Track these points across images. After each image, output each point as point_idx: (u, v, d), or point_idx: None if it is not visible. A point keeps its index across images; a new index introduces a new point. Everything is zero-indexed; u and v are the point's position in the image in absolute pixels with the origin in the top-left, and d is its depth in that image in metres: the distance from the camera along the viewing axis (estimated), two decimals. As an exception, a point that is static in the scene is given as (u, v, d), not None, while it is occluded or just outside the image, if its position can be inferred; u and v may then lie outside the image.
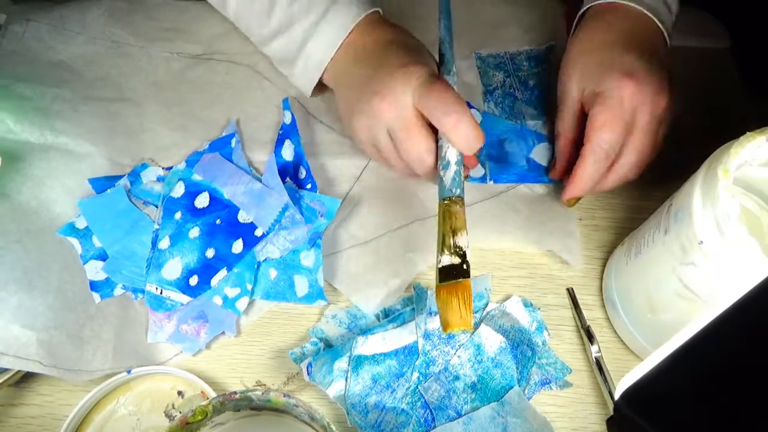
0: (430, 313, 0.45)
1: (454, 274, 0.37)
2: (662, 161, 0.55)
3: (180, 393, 0.44)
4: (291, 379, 0.44)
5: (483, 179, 0.53)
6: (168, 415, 0.40)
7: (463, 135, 0.42)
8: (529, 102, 0.57)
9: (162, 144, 0.53)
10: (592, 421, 0.44)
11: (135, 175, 0.51)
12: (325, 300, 0.47)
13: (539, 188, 0.53)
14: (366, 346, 0.43)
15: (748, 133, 0.36)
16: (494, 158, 0.54)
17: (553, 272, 0.50)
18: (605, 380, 0.44)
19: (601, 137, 0.45)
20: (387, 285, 0.47)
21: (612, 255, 0.49)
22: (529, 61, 0.60)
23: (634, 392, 0.23)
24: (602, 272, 0.50)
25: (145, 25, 0.59)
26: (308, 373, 0.42)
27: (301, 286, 0.47)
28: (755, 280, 0.23)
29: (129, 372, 0.42)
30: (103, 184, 0.50)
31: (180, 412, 0.38)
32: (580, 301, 0.48)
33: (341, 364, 0.42)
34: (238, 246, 0.47)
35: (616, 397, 0.23)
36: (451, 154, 0.43)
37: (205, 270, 0.46)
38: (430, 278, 0.49)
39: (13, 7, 0.57)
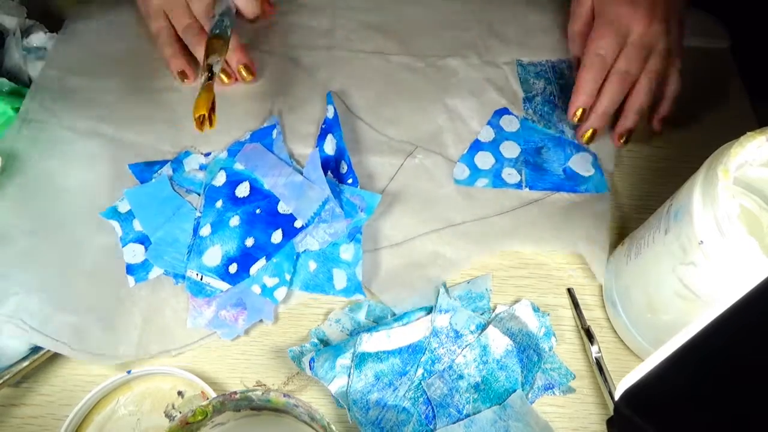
0: (440, 311, 0.45)
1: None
2: (662, 161, 0.55)
3: (180, 393, 0.44)
4: (291, 379, 0.44)
5: (519, 186, 0.53)
6: (168, 415, 0.40)
7: None
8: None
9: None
10: (592, 421, 0.44)
11: (178, 163, 0.52)
12: (363, 294, 0.47)
13: (575, 197, 0.53)
14: (370, 343, 0.43)
15: (748, 133, 0.36)
16: (531, 165, 0.54)
17: (553, 272, 0.50)
18: (605, 380, 0.44)
19: (596, 44, 0.51)
20: (417, 289, 0.47)
21: (612, 255, 0.49)
22: (571, 70, 0.59)
23: (634, 393, 0.23)
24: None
25: None
26: (311, 368, 0.42)
27: (340, 279, 0.47)
28: (756, 280, 0.23)
29: (129, 372, 0.42)
30: (142, 169, 0.51)
31: (180, 412, 0.38)
32: (580, 302, 0.48)
33: (344, 360, 0.42)
34: (277, 236, 0.47)
35: (616, 397, 0.23)
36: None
37: (245, 258, 0.46)
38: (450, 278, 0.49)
39: (76, 7, 0.61)
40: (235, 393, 0.37)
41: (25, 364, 0.42)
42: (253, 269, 0.46)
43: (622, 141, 0.54)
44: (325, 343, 0.45)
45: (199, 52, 0.53)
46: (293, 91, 0.57)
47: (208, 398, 0.39)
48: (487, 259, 0.50)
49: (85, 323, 0.44)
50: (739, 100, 0.59)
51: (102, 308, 0.45)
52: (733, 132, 0.37)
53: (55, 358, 0.44)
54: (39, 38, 0.58)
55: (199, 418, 0.37)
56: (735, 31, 0.63)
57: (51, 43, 0.58)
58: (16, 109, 0.53)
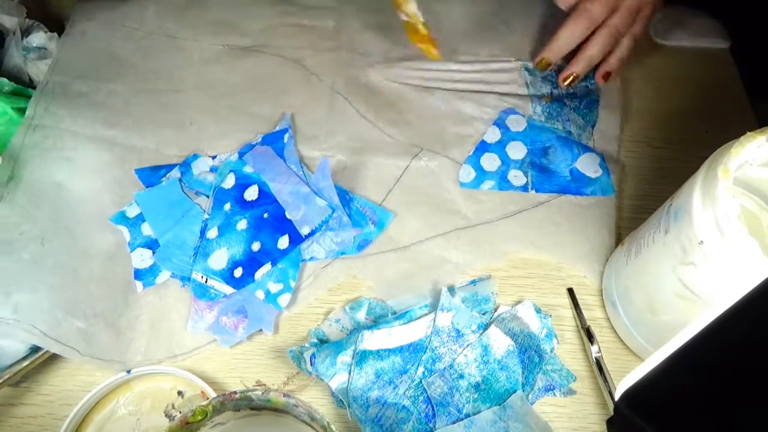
0: (441, 309, 0.45)
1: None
2: (663, 161, 0.55)
3: (180, 393, 0.44)
4: (291, 379, 0.44)
5: (525, 188, 0.53)
6: (168, 415, 0.40)
7: None
8: (578, 111, 0.56)
9: (208, 134, 0.54)
10: (592, 421, 0.44)
11: (186, 166, 0.52)
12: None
13: (581, 201, 0.52)
14: (371, 340, 0.43)
15: (748, 133, 0.36)
16: (537, 167, 0.54)
17: (553, 272, 0.50)
18: (605, 380, 0.44)
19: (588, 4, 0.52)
20: (423, 293, 0.47)
21: (612, 255, 0.49)
22: None
23: (635, 393, 0.23)
24: (602, 272, 0.50)
25: (198, 19, 0.61)
26: (311, 363, 0.42)
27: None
28: (756, 281, 0.23)
29: (129, 372, 0.42)
30: (149, 174, 0.51)
31: (180, 412, 0.38)
32: (580, 301, 0.48)
33: (345, 357, 0.43)
34: (284, 242, 0.47)
35: (616, 397, 0.23)
36: None
37: (250, 263, 0.46)
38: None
39: (78, 6, 0.60)
40: (235, 393, 0.37)
41: (25, 364, 0.42)
42: (258, 274, 0.46)
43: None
44: (324, 343, 0.45)
45: None
46: (299, 93, 0.57)
47: (208, 398, 0.39)
48: (485, 258, 0.50)
49: (94, 329, 0.43)
50: (739, 100, 0.59)
51: (110, 314, 0.45)
52: (733, 132, 0.37)
53: (54, 358, 0.44)
54: (39, 38, 0.58)
55: (199, 418, 0.37)
56: (735, 31, 0.63)
57: (52, 44, 0.57)
58: (17, 109, 0.53)
